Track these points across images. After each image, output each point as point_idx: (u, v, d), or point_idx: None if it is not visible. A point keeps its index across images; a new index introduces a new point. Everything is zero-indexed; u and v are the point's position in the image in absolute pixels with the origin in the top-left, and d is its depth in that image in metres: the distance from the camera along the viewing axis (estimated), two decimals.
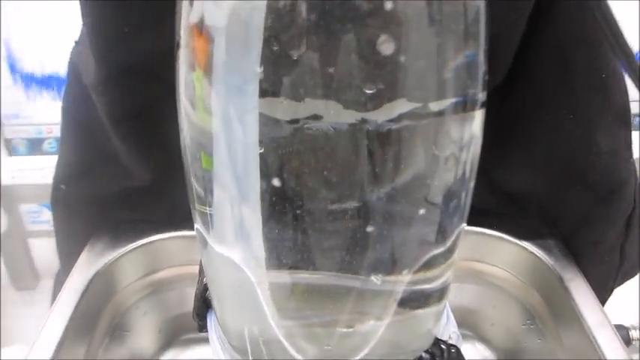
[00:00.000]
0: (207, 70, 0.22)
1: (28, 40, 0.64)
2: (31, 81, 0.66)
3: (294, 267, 0.24)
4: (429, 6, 0.20)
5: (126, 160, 0.40)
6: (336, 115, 0.21)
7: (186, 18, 0.23)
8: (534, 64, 0.38)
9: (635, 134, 0.42)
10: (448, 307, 0.32)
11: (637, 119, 0.78)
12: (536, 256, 0.43)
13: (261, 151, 0.22)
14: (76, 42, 0.37)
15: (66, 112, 0.40)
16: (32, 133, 0.71)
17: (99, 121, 0.38)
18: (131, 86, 0.36)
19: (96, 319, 0.40)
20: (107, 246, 0.42)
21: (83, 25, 0.34)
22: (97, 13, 0.33)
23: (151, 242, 0.43)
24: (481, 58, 0.23)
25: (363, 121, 0.21)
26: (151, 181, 0.41)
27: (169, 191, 0.40)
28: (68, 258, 0.44)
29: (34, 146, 0.72)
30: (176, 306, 0.45)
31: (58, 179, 0.43)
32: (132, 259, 0.43)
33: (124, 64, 0.35)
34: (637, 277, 0.51)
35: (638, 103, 0.75)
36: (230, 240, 0.25)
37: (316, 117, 0.21)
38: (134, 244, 0.43)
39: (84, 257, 0.42)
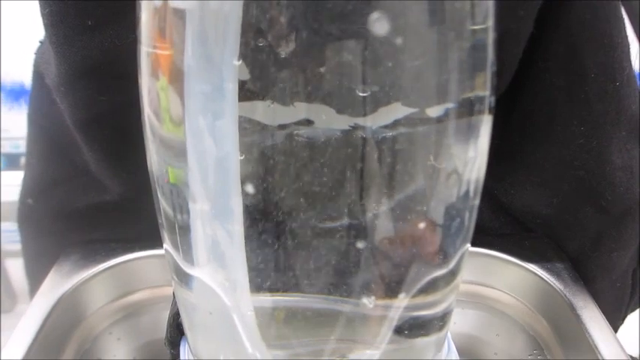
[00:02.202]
0: (174, 75, 0.20)
1: (4, 51, 0.61)
2: (7, 93, 0.64)
3: (277, 290, 0.22)
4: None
5: (96, 172, 0.37)
6: (327, 121, 0.19)
7: (147, 12, 0.20)
8: (543, 69, 0.35)
9: None
10: (449, 335, 0.30)
11: None
12: (544, 280, 0.40)
13: (241, 158, 0.20)
14: (40, 41, 0.34)
15: (31, 119, 0.38)
16: (8, 147, 0.68)
17: (66, 128, 0.35)
18: (97, 86, 0.33)
19: (62, 345, 0.37)
20: (76, 266, 0.39)
21: (42, 16, 0.31)
22: (57, 3, 0.30)
23: (124, 262, 0.40)
24: (489, 56, 0.21)
25: (357, 126, 0.19)
26: (123, 195, 0.39)
27: (144, 206, 0.37)
28: (36, 280, 0.41)
29: (11, 161, 0.69)
30: (152, 331, 0.42)
31: (25, 194, 0.40)
32: (103, 281, 0.40)
33: (88, 61, 0.32)
34: None
35: None
36: (205, 261, 0.23)
37: (307, 122, 0.19)
38: (106, 263, 0.40)
39: (50, 278, 0.39)
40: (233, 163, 0.20)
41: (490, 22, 0.21)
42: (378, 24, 0.18)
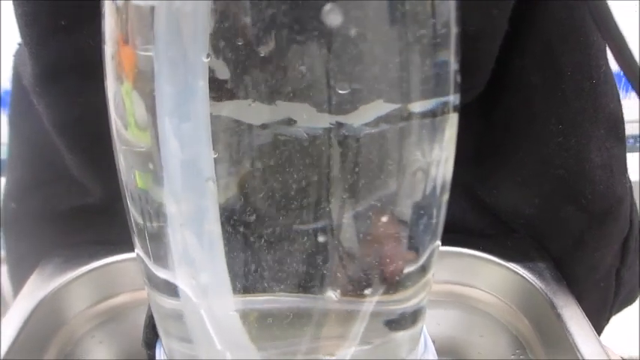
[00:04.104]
0: (139, 77, 0.20)
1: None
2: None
3: (250, 291, 0.22)
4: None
5: (77, 174, 0.37)
6: (309, 119, 0.19)
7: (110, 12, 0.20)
8: (520, 68, 0.35)
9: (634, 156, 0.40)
10: (426, 333, 0.30)
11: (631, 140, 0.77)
12: (526, 279, 0.40)
13: (215, 156, 0.20)
14: (19, 43, 0.34)
15: (12, 122, 0.38)
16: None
17: (45, 130, 0.35)
18: (72, 87, 0.33)
19: (43, 348, 0.37)
20: (58, 269, 0.39)
21: (15, 17, 0.31)
22: (30, 4, 0.30)
23: (106, 265, 0.40)
24: (452, 56, 0.21)
25: (338, 125, 0.19)
26: (104, 198, 0.39)
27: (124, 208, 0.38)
28: (20, 283, 0.41)
29: None
30: (135, 334, 0.42)
31: (8, 197, 0.40)
32: (85, 283, 0.40)
33: (62, 62, 0.32)
34: (637, 305, 0.48)
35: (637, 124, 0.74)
36: (177, 265, 0.23)
37: (289, 121, 0.19)
38: (87, 266, 0.40)
39: (32, 282, 0.39)
40: (206, 163, 0.20)
41: (452, 22, 0.21)
42: (334, 16, 0.18)
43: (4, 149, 0.40)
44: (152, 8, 0.19)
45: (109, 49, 0.21)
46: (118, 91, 0.21)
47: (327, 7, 0.17)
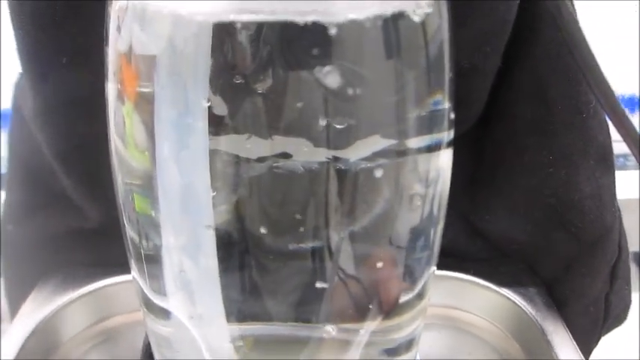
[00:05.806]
0: (140, 103, 0.21)
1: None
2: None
3: (243, 319, 0.23)
4: (388, 43, 0.19)
5: (75, 199, 0.38)
6: (307, 154, 0.19)
7: (114, 43, 0.21)
8: (511, 101, 0.36)
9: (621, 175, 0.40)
10: (418, 358, 0.30)
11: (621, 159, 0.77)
12: (517, 304, 0.40)
13: (213, 194, 0.20)
14: (20, 73, 0.35)
15: (11, 147, 0.38)
16: None
17: (45, 157, 0.35)
18: (73, 119, 0.34)
19: None
20: (55, 291, 0.39)
21: (17, 52, 0.32)
22: (32, 40, 0.31)
23: (103, 287, 0.41)
24: (446, 94, 0.22)
25: (335, 159, 0.20)
26: (102, 221, 0.39)
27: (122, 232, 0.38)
28: (17, 304, 0.41)
29: None
30: (131, 355, 0.42)
31: (5, 219, 0.41)
32: (82, 305, 0.40)
33: (64, 96, 0.33)
34: (637, 309, 0.48)
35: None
36: (174, 293, 0.23)
37: (285, 155, 0.19)
38: (85, 288, 0.40)
39: (29, 303, 0.39)
40: (204, 197, 0.20)
41: (446, 61, 0.22)
42: (332, 78, 0.18)
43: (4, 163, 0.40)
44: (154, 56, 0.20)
45: (110, 69, 0.22)
46: (118, 111, 0.22)
47: (327, 68, 0.18)
